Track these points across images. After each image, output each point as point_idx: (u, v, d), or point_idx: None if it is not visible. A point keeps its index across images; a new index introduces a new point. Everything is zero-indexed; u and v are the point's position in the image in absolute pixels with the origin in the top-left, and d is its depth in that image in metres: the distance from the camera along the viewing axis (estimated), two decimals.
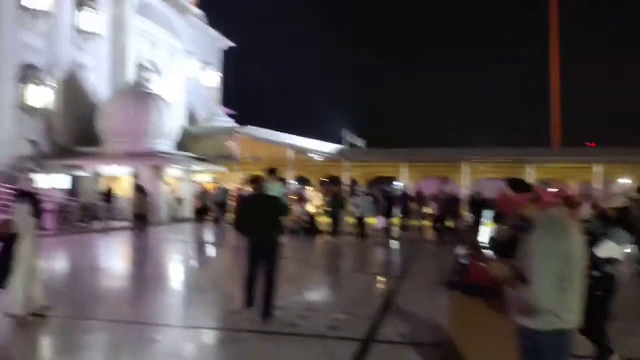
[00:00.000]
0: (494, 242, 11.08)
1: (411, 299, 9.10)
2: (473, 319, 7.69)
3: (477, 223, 14.79)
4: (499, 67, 54.20)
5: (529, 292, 3.17)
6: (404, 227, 21.08)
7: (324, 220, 21.85)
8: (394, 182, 30.56)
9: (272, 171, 9.76)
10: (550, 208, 3.46)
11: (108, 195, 21.92)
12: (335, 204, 19.78)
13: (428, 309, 8.25)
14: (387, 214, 18.99)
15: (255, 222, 7.30)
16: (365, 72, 63.47)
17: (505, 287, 3.46)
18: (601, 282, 5.35)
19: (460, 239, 10.36)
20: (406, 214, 21.32)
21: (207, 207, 22.85)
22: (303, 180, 29.10)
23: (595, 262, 5.30)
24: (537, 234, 3.26)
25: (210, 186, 26.42)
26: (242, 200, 9.54)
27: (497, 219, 11.44)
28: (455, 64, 64.85)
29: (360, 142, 34.20)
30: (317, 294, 9.75)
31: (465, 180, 28.26)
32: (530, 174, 26.46)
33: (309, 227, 19.73)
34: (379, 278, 12.13)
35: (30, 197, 7.41)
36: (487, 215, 21.10)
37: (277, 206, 7.65)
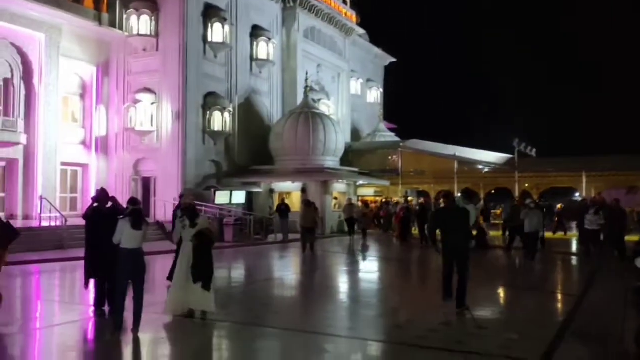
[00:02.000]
0: None
1: (593, 320, 8.28)
2: None
3: None
4: None
5: None
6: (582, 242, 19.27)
7: (495, 235, 20.92)
8: (575, 193, 28.33)
9: (465, 190, 11.48)
10: None
11: (284, 209, 23.07)
12: (513, 218, 18.55)
13: (613, 331, 7.43)
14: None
15: (449, 231, 8.68)
16: (535, 77, 59.69)
17: None
18: None
19: None
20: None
21: (355, 220, 23.37)
22: (469, 194, 28.14)
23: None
24: None
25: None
26: (437, 212, 10.87)
27: None
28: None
29: (531, 151, 32.09)
30: (488, 312, 9.26)
31: None
32: None
33: (480, 242, 18.81)
34: (556, 296, 11.24)
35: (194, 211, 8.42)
36: None
37: (466, 217, 9.02)
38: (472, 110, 64.91)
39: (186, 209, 8.51)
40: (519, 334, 7.43)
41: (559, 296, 11.31)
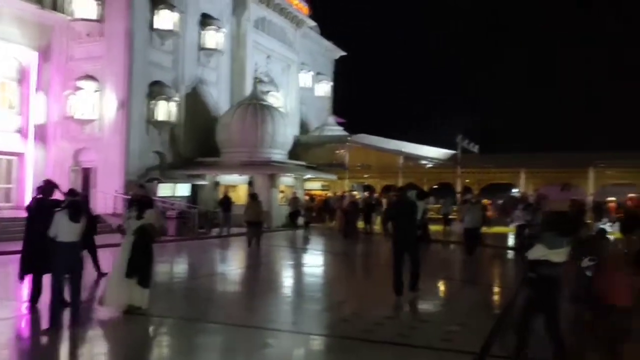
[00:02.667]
0: (618, 254, 10.13)
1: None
2: (602, 334, 7.11)
3: (602, 233, 13.55)
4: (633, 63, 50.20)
5: None
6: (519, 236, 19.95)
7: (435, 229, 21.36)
8: (513, 189, 29.26)
9: (416, 188, 12.33)
10: None
11: (226, 203, 22.81)
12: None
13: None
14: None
15: (400, 223, 9.49)
16: (479, 75, 61.35)
17: None
18: (535, 283, 5.73)
19: (585, 250, 9.61)
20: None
21: (299, 212, 23.80)
22: (422, 193, 28.62)
23: (531, 265, 5.73)
24: None
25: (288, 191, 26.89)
26: (389, 205, 11.97)
27: (626, 229, 10.52)
28: (579, 60, 60.78)
29: (473, 148, 33.03)
30: (429, 305, 9.49)
31: (592, 187, 26.43)
32: None
33: (423, 235, 19.02)
34: (495, 289, 11.60)
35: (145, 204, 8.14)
36: (613, 224, 19.47)
37: (414, 210, 9.86)
38: (418, 106, 66.13)
39: (137, 200, 8.27)
40: (459, 326, 7.63)
41: (497, 289, 11.67)
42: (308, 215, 24.68)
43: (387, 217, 10.34)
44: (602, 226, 17.76)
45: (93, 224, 10.76)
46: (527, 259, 5.79)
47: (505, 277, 13.89)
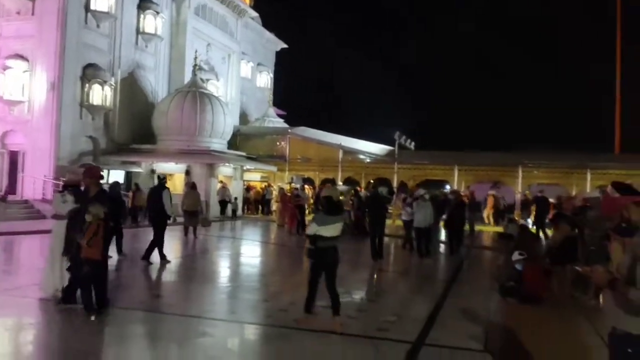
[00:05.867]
0: (547, 248, 10.72)
1: (462, 304, 8.93)
2: (528, 326, 7.51)
3: (525, 228, 14.12)
4: (562, 66, 52.76)
5: (637, 295, 3.06)
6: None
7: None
8: (446, 186, 30.15)
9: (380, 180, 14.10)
10: None
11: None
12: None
13: (479, 314, 8.10)
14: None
15: (372, 211, 14.52)
16: (418, 72, 62.71)
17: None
18: (314, 253, 7.04)
19: (515, 245, 10.09)
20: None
21: (227, 202, 24.53)
22: (352, 182, 29.10)
23: (310, 239, 7.09)
24: None
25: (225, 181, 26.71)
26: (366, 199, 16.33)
27: (549, 224, 11.09)
28: (512, 64, 63.14)
29: (410, 144, 33.78)
30: (367, 296, 9.68)
31: (520, 185, 27.63)
32: (589, 180, 25.68)
33: (357, 228, 19.21)
34: (429, 282, 11.95)
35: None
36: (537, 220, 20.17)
37: (385, 202, 15.35)
38: (356, 102, 66.98)
39: (71, 185, 8.02)
40: (395, 316, 7.83)
41: (432, 281, 12.03)
42: (235, 204, 25.24)
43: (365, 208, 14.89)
44: (522, 222, 18.58)
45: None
46: (306, 234, 7.15)
47: (441, 270, 14.29)
